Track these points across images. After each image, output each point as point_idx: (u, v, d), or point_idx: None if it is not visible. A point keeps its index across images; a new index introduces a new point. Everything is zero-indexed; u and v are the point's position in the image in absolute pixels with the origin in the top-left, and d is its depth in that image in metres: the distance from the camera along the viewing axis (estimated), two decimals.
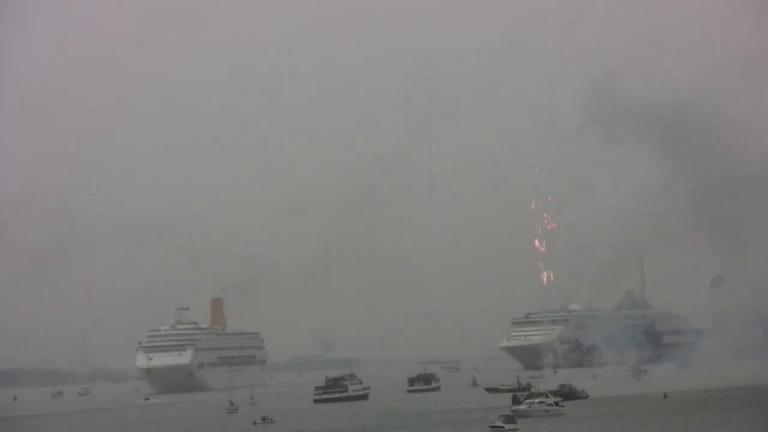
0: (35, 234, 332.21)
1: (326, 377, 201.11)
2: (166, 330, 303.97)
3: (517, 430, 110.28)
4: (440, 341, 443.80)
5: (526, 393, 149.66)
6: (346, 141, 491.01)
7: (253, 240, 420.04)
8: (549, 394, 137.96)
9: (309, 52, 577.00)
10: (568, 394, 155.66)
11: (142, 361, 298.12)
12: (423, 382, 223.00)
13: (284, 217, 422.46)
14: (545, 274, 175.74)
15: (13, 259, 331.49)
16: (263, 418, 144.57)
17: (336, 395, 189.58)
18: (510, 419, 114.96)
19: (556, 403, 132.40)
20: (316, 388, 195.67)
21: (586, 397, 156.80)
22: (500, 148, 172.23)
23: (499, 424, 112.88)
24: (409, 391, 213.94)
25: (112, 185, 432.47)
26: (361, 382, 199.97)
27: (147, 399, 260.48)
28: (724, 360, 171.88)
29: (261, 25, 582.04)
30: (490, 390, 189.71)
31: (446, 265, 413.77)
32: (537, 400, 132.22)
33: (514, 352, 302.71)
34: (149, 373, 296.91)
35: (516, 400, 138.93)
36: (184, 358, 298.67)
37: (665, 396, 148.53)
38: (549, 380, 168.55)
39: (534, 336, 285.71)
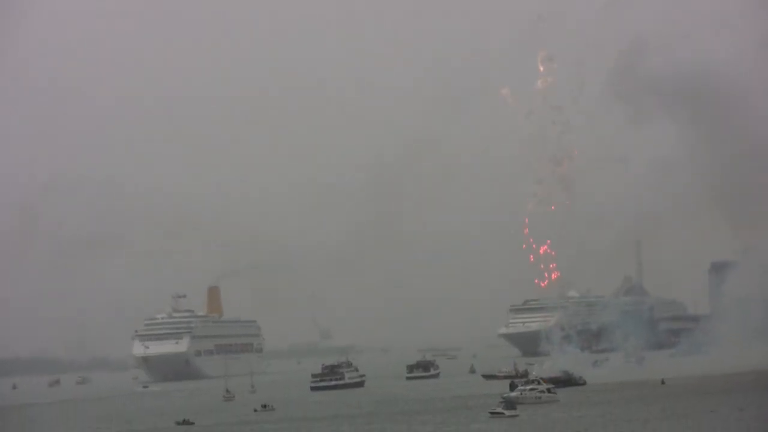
0: (60, 225, 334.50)
1: (323, 365, 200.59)
2: (162, 318, 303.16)
3: (517, 416, 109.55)
4: (440, 329, 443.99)
5: (523, 379, 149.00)
6: (378, 126, 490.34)
7: (282, 227, 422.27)
8: (541, 380, 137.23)
9: (336, 36, 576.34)
10: (565, 380, 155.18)
11: (138, 349, 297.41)
12: (422, 369, 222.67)
13: (315, 205, 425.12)
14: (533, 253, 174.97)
15: (29, 250, 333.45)
16: (263, 406, 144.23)
17: (333, 383, 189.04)
18: (510, 405, 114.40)
19: (549, 390, 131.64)
20: (313, 376, 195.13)
21: (584, 383, 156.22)
22: (526, 127, 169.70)
23: (499, 410, 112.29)
24: (408, 378, 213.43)
25: (142, 172, 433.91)
26: (357, 370, 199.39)
27: (145, 387, 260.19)
28: (735, 344, 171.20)
29: (289, 8, 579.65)
30: (487, 377, 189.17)
31: (454, 252, 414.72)
32: (529, 387, 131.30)
33: (513, 338, 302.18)
34: (146, 362, 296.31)
35: (513, 387, 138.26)
36: (181, 346, 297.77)
37: (663, 382, 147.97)
38: (547, 366, 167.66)
39: (532, 323, 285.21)
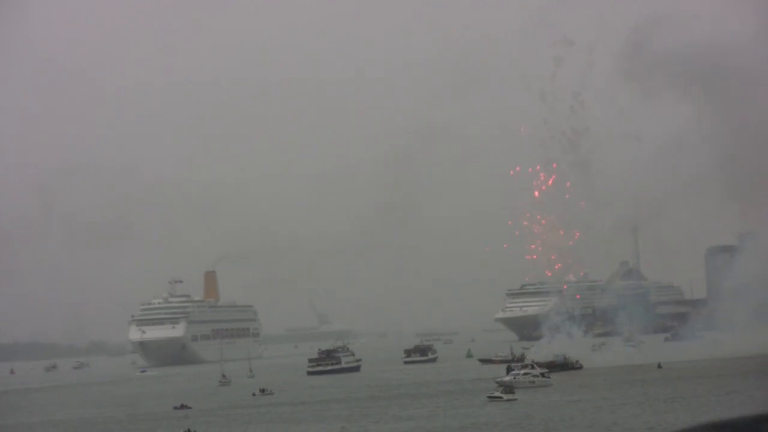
0: (74, 210, 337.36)
1: (319, 350, 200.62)
2: (158, 303, 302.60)
3: (516, 400, 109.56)
4: (438, 314, 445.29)
5: (520, 364, 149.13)
6: (387, 111, 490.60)
7: (290, 213, 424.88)
8: (535, 365, 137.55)
9: (344, 21, 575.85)
10: (562, 364, 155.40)
11: (135, 334, 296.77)
12: (419, 353, 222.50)
13: (325, 192, 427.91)
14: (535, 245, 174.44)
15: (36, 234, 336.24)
16: (262, 390, 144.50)
17: (329, 367, 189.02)
18: (509, 389, 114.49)
19: (542, 375, 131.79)
20: (310, 361, 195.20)
21: (580, 367, 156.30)
22: (537, 110, 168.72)
23: (497, 394, 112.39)
24: (406, 363, 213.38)
25: (153, 157, 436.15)
26: (353, 354, 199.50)
27: (143, 372, 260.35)
28: (733, 329, 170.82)
29: None
30: (483, 361, 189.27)
31: (457, 238, 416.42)
32: (522, 372, 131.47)
33: (509, 323, 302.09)
34: (142, 346, 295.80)
35: (511, 371, 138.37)
36: (177, 330, 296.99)
37: (659, 366, 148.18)
38: (544, 350, 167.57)
39: (529, 307, 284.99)
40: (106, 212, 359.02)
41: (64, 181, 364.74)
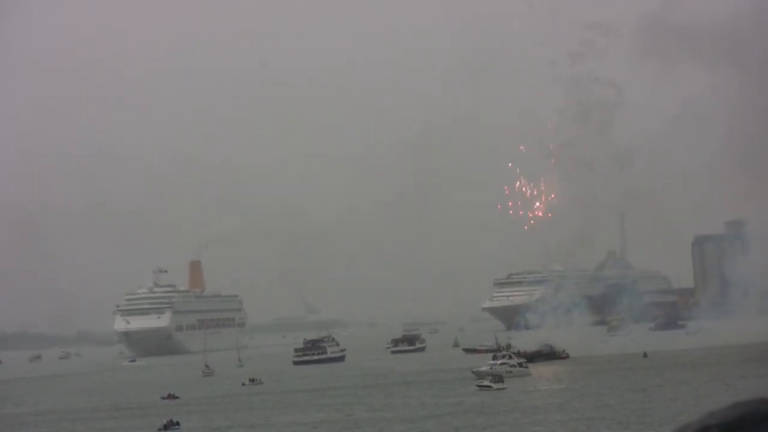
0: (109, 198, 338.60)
1: (305, 339, 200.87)
2: (143, 293, 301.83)
3: (505, 389, 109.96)
4: (426, 303, 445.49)
5: (505, 353, 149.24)
6: (414, 96, 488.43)
7: (307, 199, 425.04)
8: (513, 355, 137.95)
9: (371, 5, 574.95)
10: (548, 354, 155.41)
11: (120, 324, 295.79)
12: (407, 343, 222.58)
13: (349, 176, 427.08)
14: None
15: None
16: (251, 380, 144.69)
17: (315, 357, 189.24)
18: (498, 378, 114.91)
19: (520, 365, 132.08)
20: (295, 350, 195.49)
21: (567, 357, 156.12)
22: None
23: (487, 383, 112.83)
24: (393, 352, 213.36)
25: (187, 140, 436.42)
26: (338, 344, 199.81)
27: (132, 361, 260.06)
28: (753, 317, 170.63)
29: None
30: (468, 351, 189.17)
31: (459, 226, 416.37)
32: (500, 362, 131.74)
33: (496, 312, 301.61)
34: (127, 336, 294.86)
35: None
36: (163, 321, 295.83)
37: (645, 355, 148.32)
38: (530, 339, 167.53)
39: (516, 297, 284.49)
40: (130, 200, 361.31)
41: (94, 169, 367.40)
